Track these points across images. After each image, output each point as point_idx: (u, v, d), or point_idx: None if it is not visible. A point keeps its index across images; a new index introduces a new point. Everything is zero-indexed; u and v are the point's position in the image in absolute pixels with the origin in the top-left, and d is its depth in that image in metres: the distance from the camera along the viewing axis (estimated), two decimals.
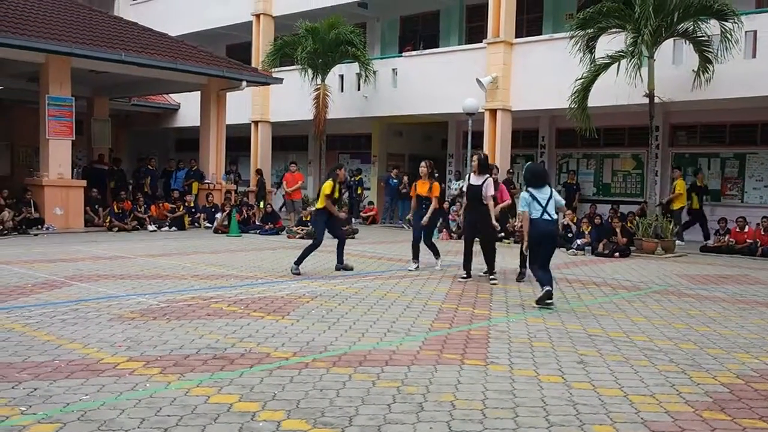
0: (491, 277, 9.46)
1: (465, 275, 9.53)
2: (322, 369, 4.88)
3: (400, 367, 4.97)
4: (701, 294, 8.94)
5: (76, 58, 15.69)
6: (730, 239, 14.65)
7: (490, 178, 9.51)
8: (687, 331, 6.60)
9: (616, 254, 13.11)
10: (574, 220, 15.18)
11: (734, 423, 4.02)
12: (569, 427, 3.87)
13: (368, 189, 22.69)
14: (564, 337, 6.12)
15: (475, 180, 9.50)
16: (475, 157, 9.76)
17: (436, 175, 11.04)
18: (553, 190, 8.13)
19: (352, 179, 21.35)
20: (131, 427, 3.71)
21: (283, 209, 20.43)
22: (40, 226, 15.32)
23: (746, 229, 14.64)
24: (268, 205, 17.90)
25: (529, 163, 9.86)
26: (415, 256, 10.55)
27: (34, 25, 15.63)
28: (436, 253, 10.59)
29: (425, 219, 10.18)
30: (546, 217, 7.80)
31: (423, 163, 10.45)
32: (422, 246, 10.50)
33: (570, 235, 14.70)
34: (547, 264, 7.86)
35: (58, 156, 15.94)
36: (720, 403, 4.36)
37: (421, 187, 10.35)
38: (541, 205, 7.81)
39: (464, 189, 10.03)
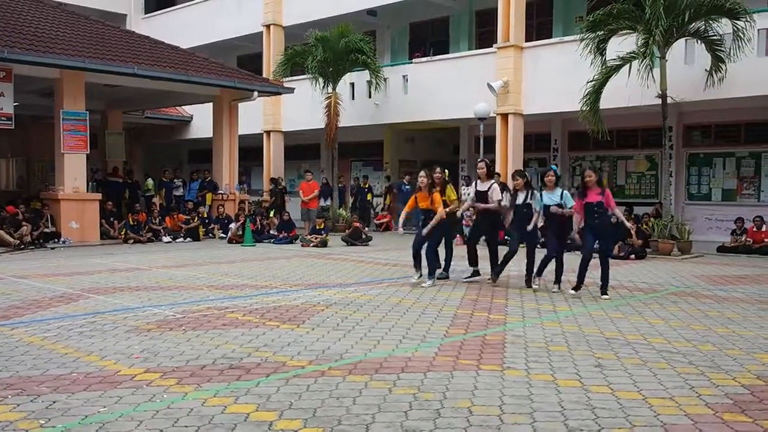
0: (491, 277, 9.68)
1: (471, 273, 9.89)
2: (338, 377, 4.87)
3: (417, 374, 4.95)
4: (719, 295, 8.86)
5: (89, 72, 15.85)
6: (747, 239, 14.52)
7: (495, 183, 9.78)
8: (705, 332, 6.53)
9: (632, 256, 13.02)
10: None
11: (755, 425, 3.97)
12: None
13: (380, 196, 22.71)
14: (581, 341, 6.08)
15: (481, 186, 9.73)
16: (482, 164, 9.90)
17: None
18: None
19: (360, 186, 21.40)
20: None
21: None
22: (56, 240, 15.45)
23: (763, 229, 14.51)
24: (286, 213, 17.92)
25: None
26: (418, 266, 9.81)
27: (48, 41, 15.81)
28: (433, 268, 9.75)
29: (426, 230, 9.43)
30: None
31: (422, 173, 9.61)
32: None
33: None
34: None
35: (74, 170, 16.08)
36: (740, 405, 4.31)
37: (423, 201, 9.49)
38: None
39: (472, 196, 10.01)
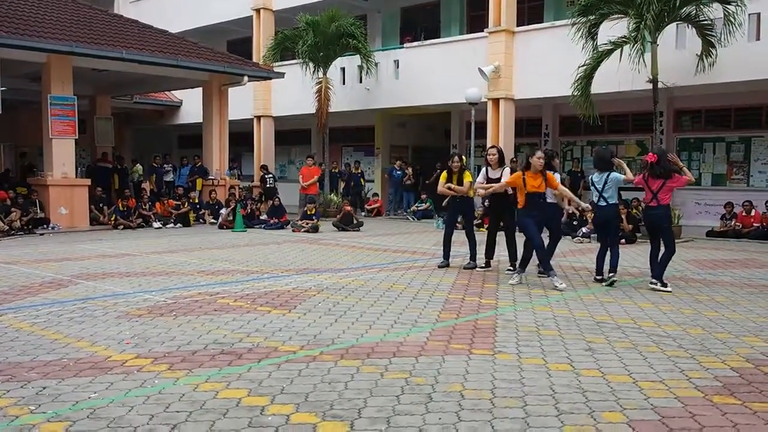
0: (510, 268, 9.33)
1: (484, 264, 9.57)
2: (329, 362, 4.87)
3: (408, 359, 4.96)
4: (708, 279, 8.91)
5: (77, 57, 15.67)
6: (737, 223, 14.60)
7: (507, 168, 9.55)
8: (695, 316, 6.58)
9: (622, 241, 13.03)
10: (579, 208, 15.11)
11: (744, 407, 4.00)
12: (579, 415, 3.86)
13: (372, 181, 22.67)
14: (572, 325, 6.11)
15: (493, 173, 9.48)
16: (494, 150, 9.60)
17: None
18: (612, 172, 8.45)
19: (352, 171, 21.37)
20: (140, 424, 3.72)
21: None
22: (45, 226, 15.35)
23: (753, 213, 14.59)
24: (276, 198, 17.87)
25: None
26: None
27: (35, 25, 15.61)
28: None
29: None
30: (601, 202, 8.43)
31: (539, 153, 8.53)
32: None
33: (575, 223, 14.67)
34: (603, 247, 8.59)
35: (62, 155, 15.94)
36: (730, 388, 4.35)
37: (533, 181, 8.34)
38: (597, 190, 8.42)
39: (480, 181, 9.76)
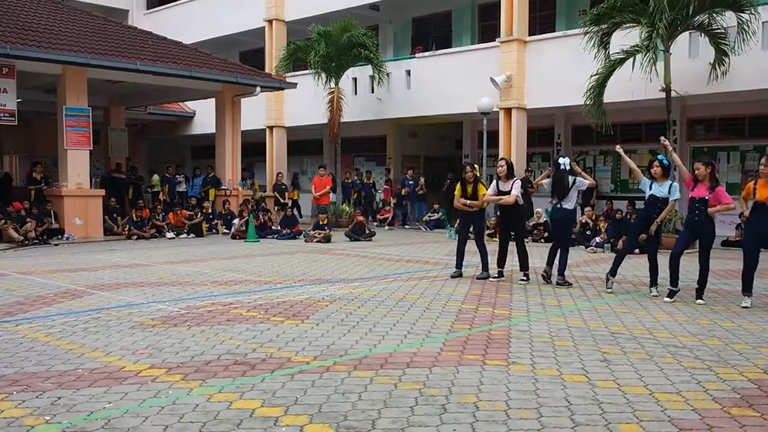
0: (523, 278, 9.38)
1: (497, 274, 9.57)
2: (343, 372, 4.86)
3: (422, 369, 4.94)
4: (724, 289, 8.83)
5: (92, 68, 15.83)
6: None
7: (518, 180, 9.61)
8: (711, 326, 6.51)
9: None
10: (593, 218, 15.06)
11: (763, 419, 3.95)
12: (595, 427, 3.82)
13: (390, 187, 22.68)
14: (586, 336, 6.07)
15: (503, 186, 9.49)
16: (502, 162, 9.62)
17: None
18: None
19: (364, 181, 21.39)
20: None
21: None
22: (60, 236, 15.46)
23: None
24: (289, 209, 17.93)
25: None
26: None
27: (50, 37, 15.79)
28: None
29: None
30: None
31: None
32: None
33: (588, 232, 14.60)
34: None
35: (77, 166, 16.08)
36: (748, 399, 4.29)
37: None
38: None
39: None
